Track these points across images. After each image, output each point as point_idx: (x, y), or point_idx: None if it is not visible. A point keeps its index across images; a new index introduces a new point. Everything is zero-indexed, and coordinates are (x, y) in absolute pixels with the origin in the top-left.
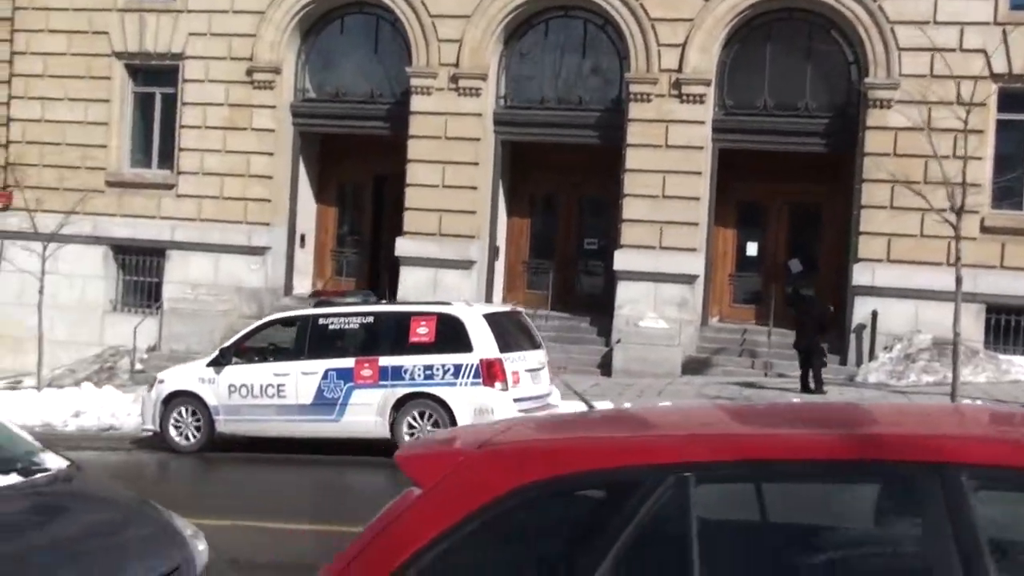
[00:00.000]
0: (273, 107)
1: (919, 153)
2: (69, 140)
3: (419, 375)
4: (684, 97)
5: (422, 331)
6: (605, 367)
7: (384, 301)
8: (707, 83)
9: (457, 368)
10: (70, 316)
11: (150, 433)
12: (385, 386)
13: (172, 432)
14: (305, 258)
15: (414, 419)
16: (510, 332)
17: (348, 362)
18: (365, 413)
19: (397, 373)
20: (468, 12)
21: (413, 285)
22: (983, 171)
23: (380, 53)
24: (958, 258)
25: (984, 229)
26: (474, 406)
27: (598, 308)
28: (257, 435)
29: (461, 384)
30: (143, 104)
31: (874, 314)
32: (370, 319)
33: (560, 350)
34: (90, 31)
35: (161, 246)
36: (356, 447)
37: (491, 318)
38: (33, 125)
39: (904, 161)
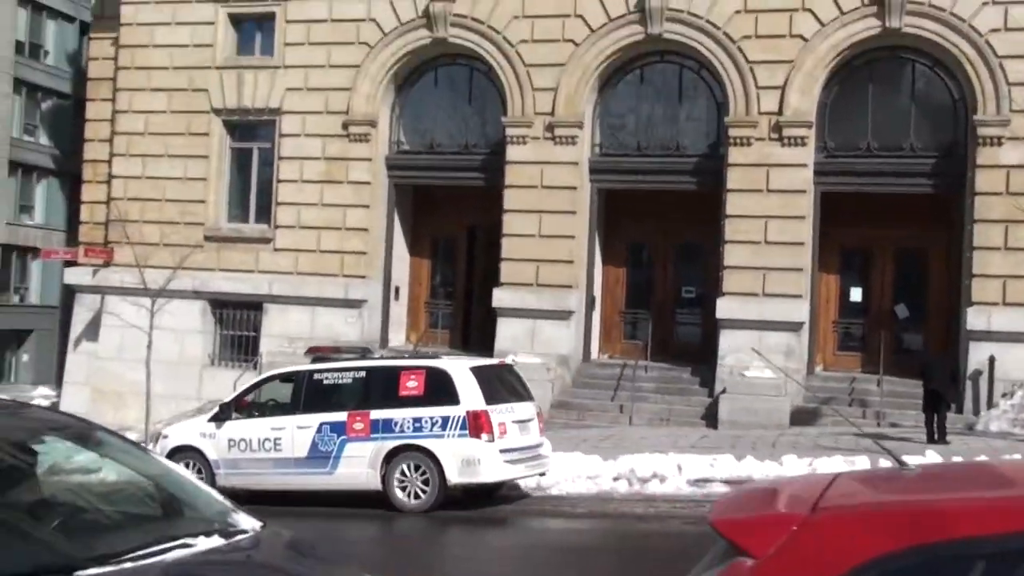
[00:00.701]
0: (369, 160)
1: None
2: (169, 196)
3: (408, 427)
4: (785, 140)
5: (412, 384)
6: (710, 418)
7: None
8: (808, 125)
9: (445, 420)
10: (170, 370)
11: None
12: (376, 439)
13: None
14: (399, 311)
15: (404, 471)
16: (498, 385)
17: (341, 416)
18: (357, 465)
19: (388, 426)
20: (563, 60)
21: (511, 336)
22: None
23: (474, 104)
24: None
25: None
26: (461, 457)
27: (698, 358)
28: (256, 488)
29: (449, 436)
30: (240, 159)
31: (991, 360)
32: (363, 374)
33: (662, 401)
34: (190, 89)
35: (258, 300)
36: (348, 500)
37: (478, 371)
38: (134, 182)
39: (1017, 200)
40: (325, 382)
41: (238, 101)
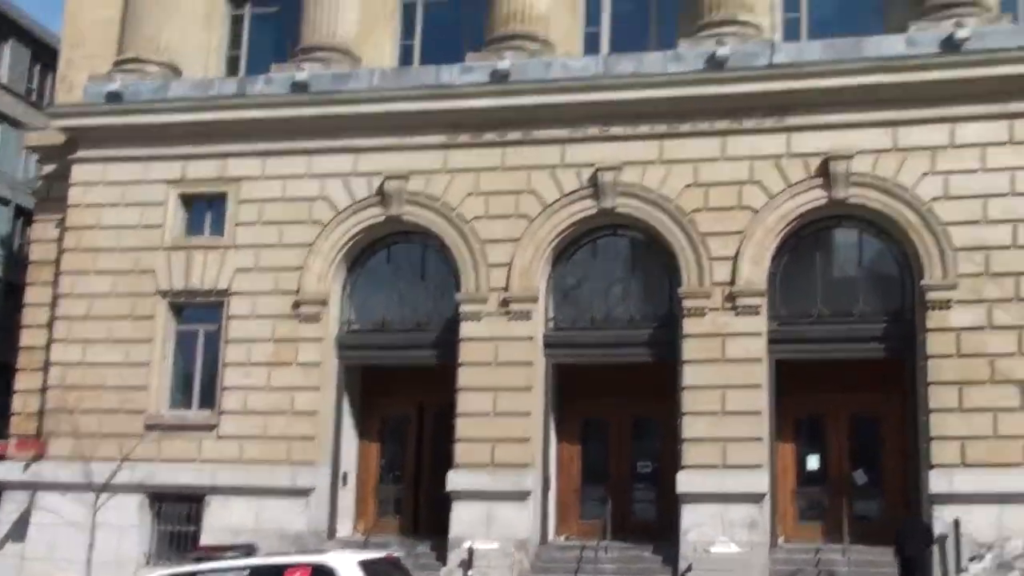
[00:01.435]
0: (319, 340)
1: (983, 352)
2: (110, 383)
3: None
4: (738, 310)
5: None
6: None
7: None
8: (761, 294)
9: None
10: (103, 572)
11: None
12: None
13: None
14: (348, 498)
15: None
16: None
17: None
18: None
19: None
20: (517, 236)
21: (467, 521)
22: None
23: (427, 280)
24: None
25: None
26: None
27: (659, 534)
28: None
29: None
30: (185, 342)
31: (956, 523)
32: (245, 573)
33: None
34: (136, 271)
35: (200, 492)
36: None
37: (367, 565)
38: (74, 369)
39: (969, 361)
40: None
41: (186, 282)
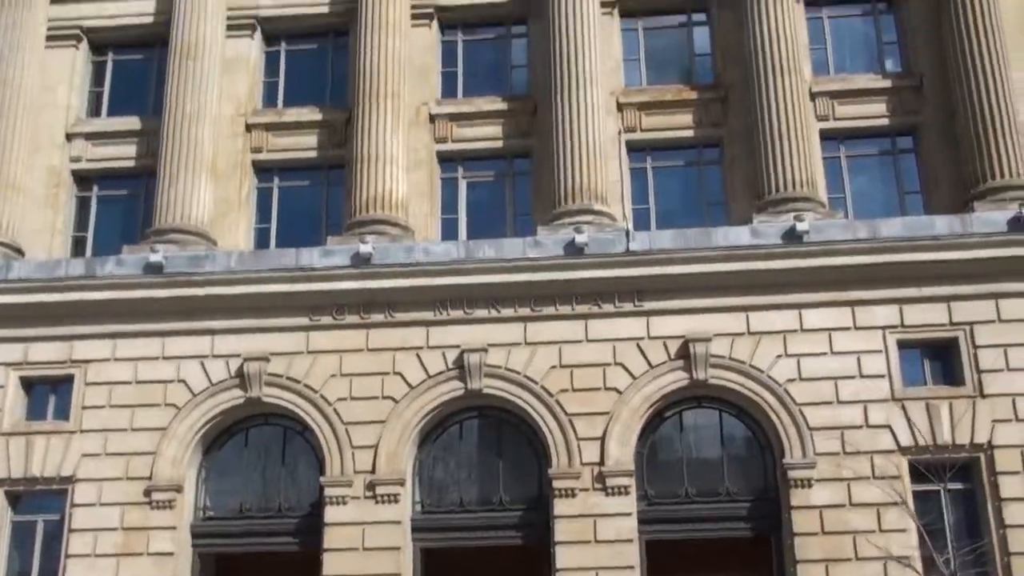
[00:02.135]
0: (173, 528)
1: (846, 529)
2: None
3: None
4: (609, 490)
5: None
6: None
7: None
8: (630, 474)
9: None
10: None
11: None
12: None
13: None
14: None
15: None
16: None
17: None
18: None
19: None
20: (383, 418)
21: None
22: (910, 542)
23: (288, 464)
24: None
25: None
26: None
27: None
28: None
29: None
30: (22, 534)
31: None
32: None
33: None
34: None
35: None
36: None
37: None
38: None
39: (833, 539)
40: None
41: (25, 470)
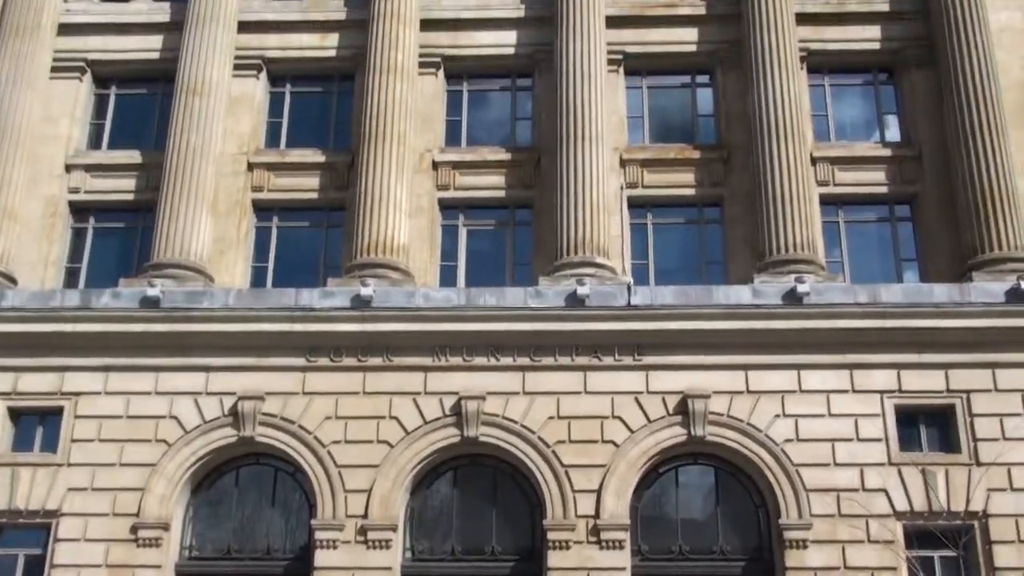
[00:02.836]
0: (159, 567)
1: None
2: None
3: None
4: (603, 544)
5: None
6: None
7: None
8: (625, 528)
9: None
10: None
11: None
12: None
13: None
14: None
15: None
16: None
17: None
18: None
19: None
20: (377, 462)
21: None
22: None
23: (278, 506)
24: None
25: None
26: None
27: None
28: None
29: None
30: (2, 570)
31: None
32: None
33: None
34: None
35: None
36: None
37: None
38: None
39: None
40: None
41: (9, 502)
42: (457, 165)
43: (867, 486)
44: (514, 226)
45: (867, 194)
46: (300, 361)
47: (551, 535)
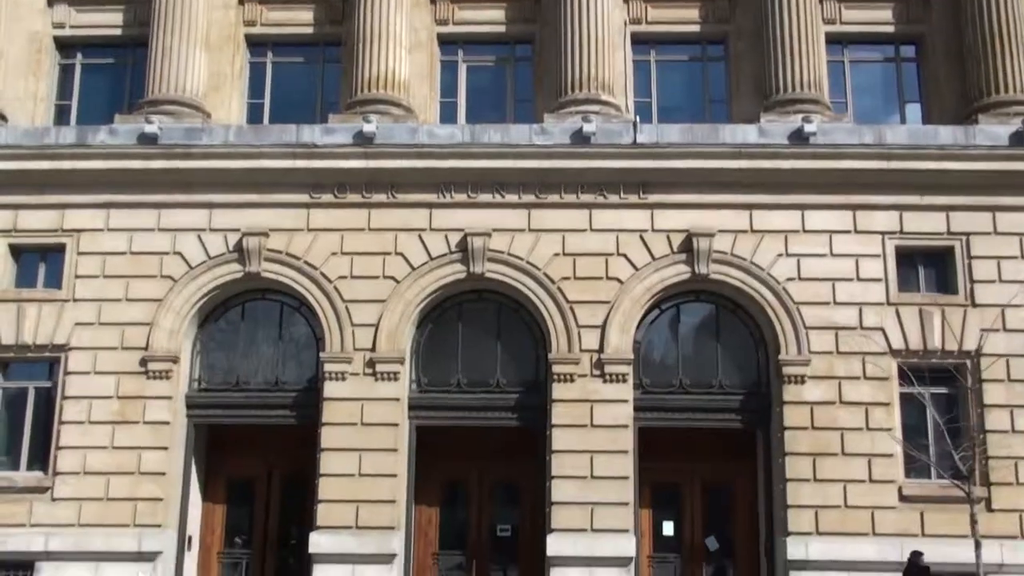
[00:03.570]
0: (169, 398)
1: (834, 426)
2: None
3: None
4: (607, 377)
5: None
6: None
7: None
8: (629, 363)
9: None
10: None
11: None
12: None
13: None
14: (190, 563)
15: None
16: None
17: None
18: None
19: None
20: (384, 297)
21: None
22: (894, 442)
23: (285, 340)
24: None
25: (903, 498)
26: None
27: None
28: None
29: None
30: (12, 401)
31: None
32: None
33: None
34: None
35: (29, 559)
36: None
37: None
38: None
39: (822, 434)
40: None
41: (16, 337)
42: None
43: (865, 325)
44: (515, 62)
45: (873, 33)
46: (303, 198)
47: (556, 368)
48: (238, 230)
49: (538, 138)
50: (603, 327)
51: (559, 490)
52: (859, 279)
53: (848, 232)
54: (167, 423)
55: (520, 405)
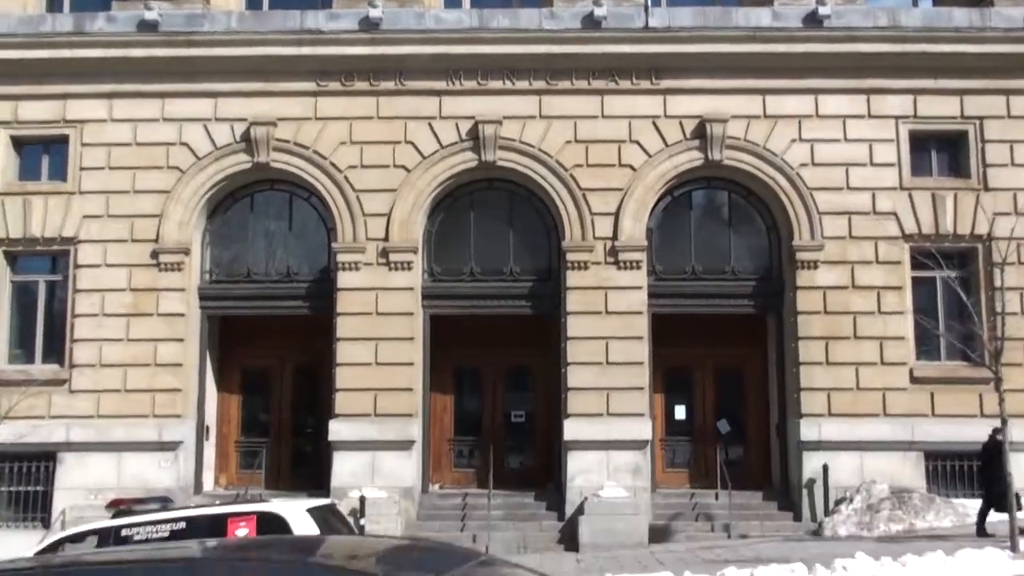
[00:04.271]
0: (183, 290)
1: (847, 310)
2: None
3: None
4: (621, 264)
5: (242, 534)
6: (570, 542)
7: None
8: (642, 249)
9: None
10: None
11: None
12: None
13: None
14: (209, 452)
15: None
16: (332, 524)
17: None
18: None
19: None
20: (395, 186)
21: (349, 471)
22: (906, 325)
23: (295, 230)
24: None
25: (914, 380)
26: None
27: (534, 483)
28: None
29: None
30: (22, 294)
31: (825, 468)
32: (182, 524)
33: (512, 528)
34: None
35: (50, 449)
36: None
37: (315, 512)
38: None
39: (834, 318)
40: (136, 539)
41: (24, 230)
42: None
43: (878, 209)
44: None
45: None
46: (310, 86)
47: (570, 256)
48: (245, 120)
49: (548, 22)
50: (616, 214)
51: (575, 376)
52: (872, 164)
53: (862, 117)
54: (182, 315)
55: (533, 293)
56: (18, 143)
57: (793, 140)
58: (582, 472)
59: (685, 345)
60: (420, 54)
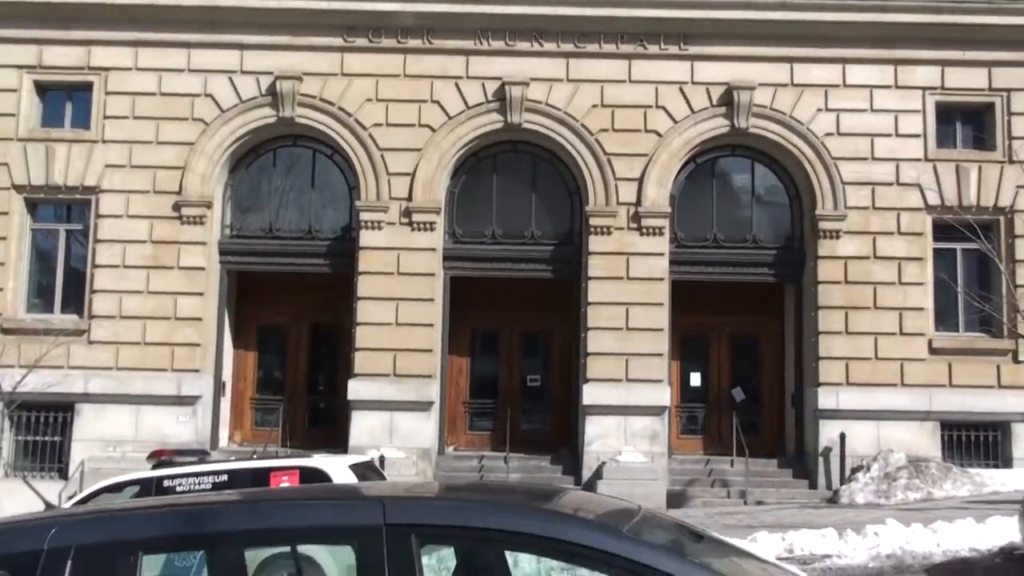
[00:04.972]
0: (204, 244)
1: (867, 280)
2: None
3: None
4: (643, 230)
5: None
6: None
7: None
8: (665, 216)
9: None
10: None
11: None
12: None
13: None
14: (224, 408)
15: None
16: (371, 480)
17: None
18: None
19: None
20: (419, 146)
21: (367, 430)
22: (926, 296)
23: (318, 187)
24: None
25: (932, 350)
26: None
27: (550, 447)
28: None
29: None
30: (44, 242)
31: (842, 436)
32: (224, 478)
33: None
34: None
35: (68, 400)
36: None
37: (356, 468)
38: None
39: (855, 288)
40: (178, 490)
41: (46, 178)
42: None
43: (902, 180)
44: None
45: None
46: (337, 41)
47: (593, 221)
48: (271, 73)
49: None
50: (640, 180)
51: (595, 341)
52: (897, 135)
53: (889, 87)
54: (202, 268)
55: (554, 257)
56: (41, 88)
57: (819, 109)
58: (600, 437)
59: (702, 312)
60: (448, 12)
